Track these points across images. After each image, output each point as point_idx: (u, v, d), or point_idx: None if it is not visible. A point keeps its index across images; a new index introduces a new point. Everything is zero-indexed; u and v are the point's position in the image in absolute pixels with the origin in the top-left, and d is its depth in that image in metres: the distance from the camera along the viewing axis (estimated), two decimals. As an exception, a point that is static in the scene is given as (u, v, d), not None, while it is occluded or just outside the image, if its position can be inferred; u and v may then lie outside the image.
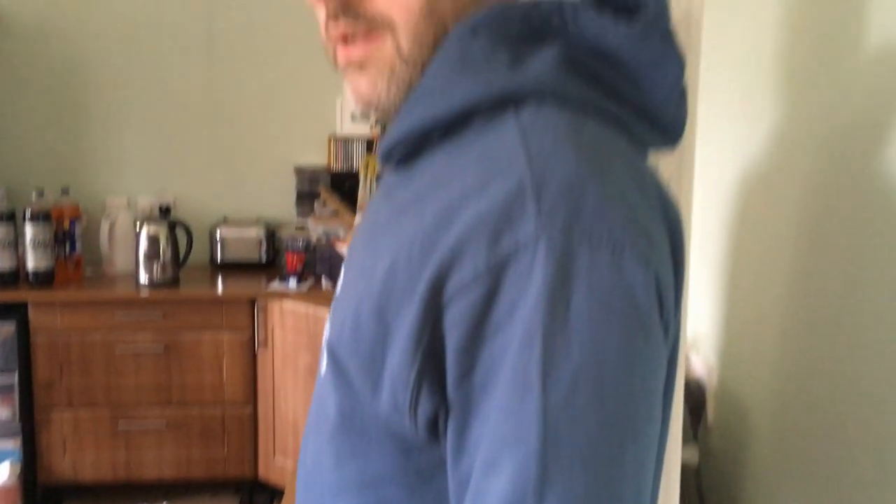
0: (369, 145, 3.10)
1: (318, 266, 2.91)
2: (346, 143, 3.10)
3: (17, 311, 2.63)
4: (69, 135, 3.09)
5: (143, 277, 2.77)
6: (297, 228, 3.05)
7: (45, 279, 2.69)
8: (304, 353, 2.69)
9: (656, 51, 0.61)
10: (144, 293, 2.73)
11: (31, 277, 2.68)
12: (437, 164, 0.60)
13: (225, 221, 3.10)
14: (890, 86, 1.01)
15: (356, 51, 0.63)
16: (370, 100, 0.64)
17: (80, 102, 3.09)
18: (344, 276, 0.71)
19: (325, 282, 2.85)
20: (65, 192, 2.81)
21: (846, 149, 1.11)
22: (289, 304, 2.70)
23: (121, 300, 2.71)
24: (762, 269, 1.34)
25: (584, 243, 0.49)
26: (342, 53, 0.64)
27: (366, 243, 0.65)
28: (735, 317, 1.41)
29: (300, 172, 3.11)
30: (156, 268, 2.78)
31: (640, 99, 0.61)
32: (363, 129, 3.10)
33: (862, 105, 1.08)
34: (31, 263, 2.67)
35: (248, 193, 3.20)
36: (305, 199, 3.09)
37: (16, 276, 2.70)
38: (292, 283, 2.81)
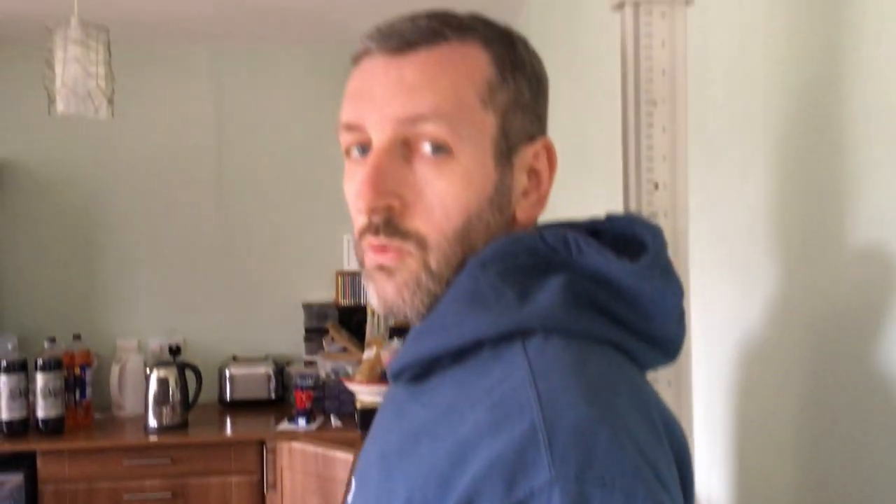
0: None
1: (328, 403, 2.90)
2: (353, 277, 3.13)
3: (25, 461, 2.62)
4: (80, 280, 3.14)
5: (153, 422, 2.77)
6: (306, 364, 3.05)
7: (54, 427, 2.68)
8: (313, 497, 2.65)
9: (658, 284, 0.64)
10: (153, 438, 2.72)
11: (41, 426, 2.68)
12: (448, 390, 0.62)
13: (234, 360, 3.11)
14: (881, 270, 1.04)
15: (386, 259, 0.66)
16: (393, 305, 0.67)
17: (89, 247, 3.15)
18: (356, 491, 0.72)
19: (334, 420, 2.84)
20: (76, 337, 2.84)
21: (840, 323, 1.13)
22: (298, 445, 2.67)
23: (129, 447, 2.69)
24: (767, 432, 1.34)
25: (597, 489, 0.51)
26: (372, 258, 0.67)
27: (379, 466, 0.66)
28: (746, 483, 1.40)
29: (308, 308, 3.14)
30: (165, 412, 2.77)
31: (641, 324, 0.64)
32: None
33: (855, 282, 1.11)
34: (41, 412, 2.67)
35: (256, 331, 3.22)
36: (314, 335, 3.10)
37: (25, 424, 2.70)
38: (301, 422, 2.79)
